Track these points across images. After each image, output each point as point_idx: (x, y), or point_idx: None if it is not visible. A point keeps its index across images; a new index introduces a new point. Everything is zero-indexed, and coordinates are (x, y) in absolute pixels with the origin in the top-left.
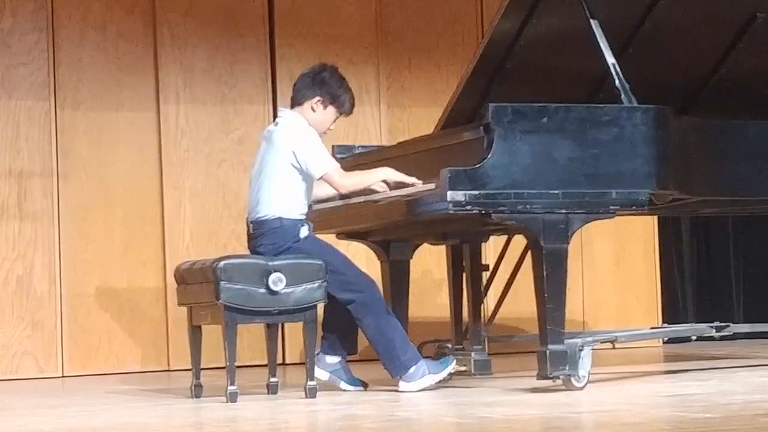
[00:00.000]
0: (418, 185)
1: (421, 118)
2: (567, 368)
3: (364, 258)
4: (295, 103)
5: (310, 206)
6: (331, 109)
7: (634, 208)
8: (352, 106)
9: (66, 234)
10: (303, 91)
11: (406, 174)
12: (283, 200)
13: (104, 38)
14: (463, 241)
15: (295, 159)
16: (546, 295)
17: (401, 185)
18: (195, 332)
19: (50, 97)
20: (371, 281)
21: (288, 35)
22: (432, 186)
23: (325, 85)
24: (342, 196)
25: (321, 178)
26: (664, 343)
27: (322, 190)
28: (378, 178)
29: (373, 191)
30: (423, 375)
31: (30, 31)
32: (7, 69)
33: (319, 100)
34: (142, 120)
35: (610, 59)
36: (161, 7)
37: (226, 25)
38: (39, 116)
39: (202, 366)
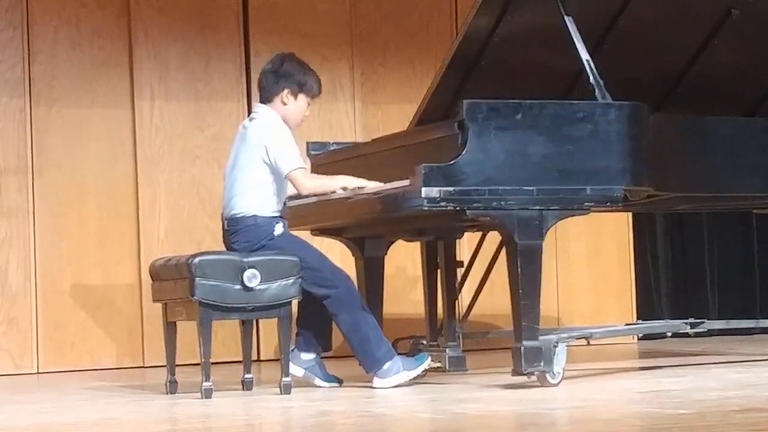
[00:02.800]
0: (381, 186)
1: (396, 115)
2: (542, 365)
3: (338, 254)
4: (265, 99)
5: (284, 203)
6: (302, 97)
7: (608, 204)
8: (320, 85)
9: (41, 230)
10: (270, 87)
11: (381, 172)
12: (258, 197)
13: (79, 35)
14: (437, 237)
15: (266, 154)
16: (521, 291)
17: (362, 191)
18: (170, 328)
19: (25, 93)
20: (346, 277)
21: (262, 32)
22: (406, 182)
23: (290, 75)
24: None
25: (286, 176)
26: (638, 339)
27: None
28: (339, 185)
29: (334, 195)
30: (397, 371)
31: (4, 28)
32: None
33: (288, 92)
34: (116, 116)
35: (585, 56)
36: (135, 4)
37: (200, 21)
38: (13, 113)
39: (176, 362)
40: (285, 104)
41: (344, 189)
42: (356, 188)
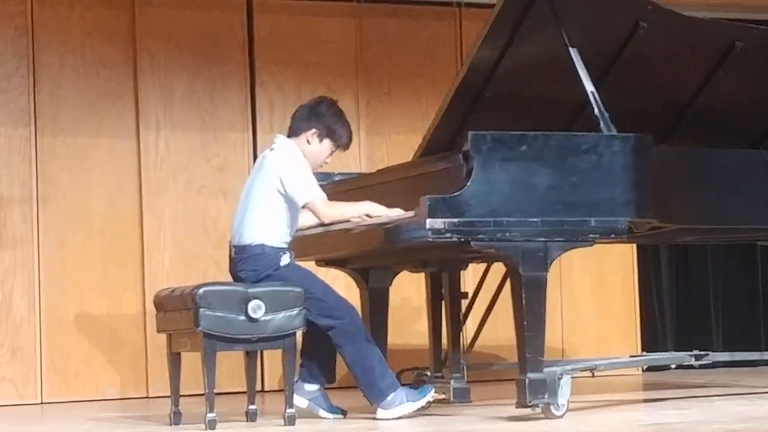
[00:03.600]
0: (403, 214)
1: (401, 146)
2: (546, 396)
3: (343, 285)
4: (292, 133)
5: (293, 235)
6: (327, 142)
7: (613, 236)
8: (350, 140)
9: (45, 260)
10: (299, 123)
11: (386, 202)
12: (267, 227)
13: (84, 65)
14: (442, 268)
15: (281, 185)
16: (525, 323)
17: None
18: (174, 359)
19: (30, 123)
20: (351, 307)
21: (268, 62)
22: (411, 214)
23: (322, 117)
24: (323, 224)
25: (305, 206)
26: (643, 371)
27: (305, 219)
28: (361, 212)
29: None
30: (401, 402)
31: (10, 58)
32: None
33: (314, 133)
34: (121, 146)
35: (589, 87)
36: (141, 34)
37: (206, 52)
38: (19, 142)
39: (181, 393)
40: (309, 143)
41: (368, 216)
42: (377, 217)
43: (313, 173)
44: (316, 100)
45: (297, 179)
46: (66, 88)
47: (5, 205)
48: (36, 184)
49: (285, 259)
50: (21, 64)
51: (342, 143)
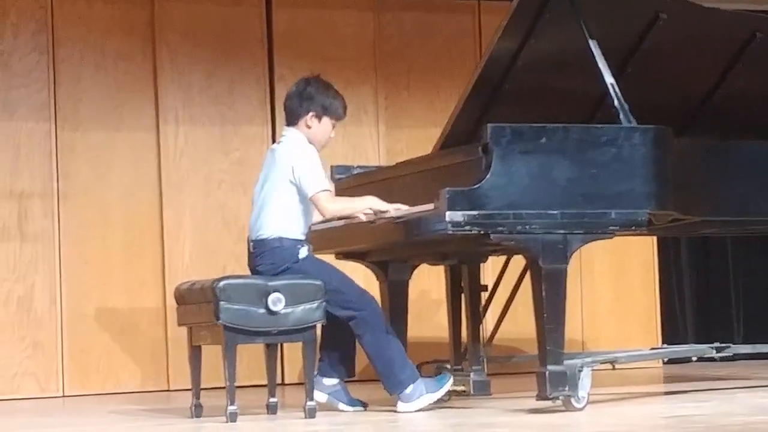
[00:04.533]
0: (405, 209)
1: (420, 139)
2: (566, 389)
3: (362, 278)
4: (290, 123)
5: (310, 227)
6: (326, 120)
7: (633, 228)
8: (345, 108)
9: (66, 254)
10: (294, 110)
11: (405, 196)
12: (284, 220)
13: (104, 59)
14: (461, 261)
15: (293, 175)
16: (545, 315)
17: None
18: (195, 352)
19: (50, 118)
20: (372, 298)
21: (286, 56)
22: (431, 206)
23: (314, 98)
24: (326, 220)
25: (310, 198)
26: (663, 363)
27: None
28: (364, 207)
29: (357, 219)
30: (420, 395)
31: (30, 52)
32: (8, 90)
33: (312, 115)
34: (141, 140)
35: (609, 79)
36: (160, 28)
37: (224, 46)
38: (39, 137)
39: (201, 386)
40: (309, 127)
41: (370, 210)
42: (379, 212)
43: (334, 166)
44: (303, 84)
45: (306, 170)
46: (86, 82)
47: (26, 200)
48: (56, 179)
49: (303, 252)
50: (41, 59)
51: (339, 114)
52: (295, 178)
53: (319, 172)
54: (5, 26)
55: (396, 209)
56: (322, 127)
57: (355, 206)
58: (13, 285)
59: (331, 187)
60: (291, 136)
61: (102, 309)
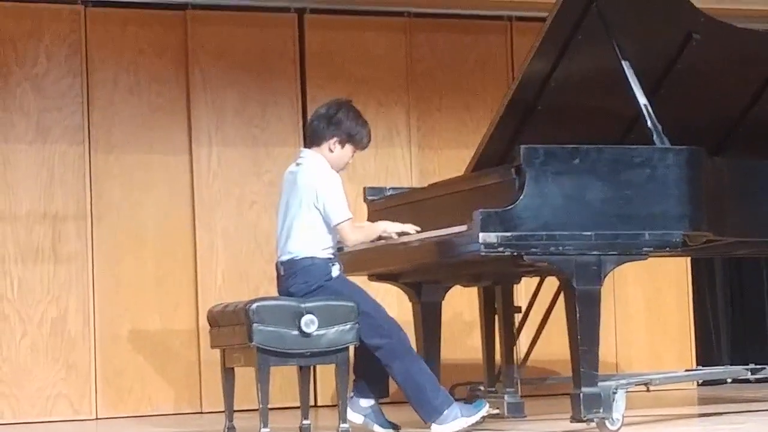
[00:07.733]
0: (421, 232)
1: (452, 160)
2: (601, 411)
3: (395, 299)
4: (313, 143)
5: (339, 247)
6: (349, 147)
7: (667, 249)
8: (369, 139)
9: (99, 276)
10: (320, 132)
11: (438, 217)
12: (312, 239)
13: (137, 81)
14: (495, 282)
15: (317, 200)
16: (579, 336)
17: (403, 234)
18: (228, 374)
19: (84, 140)
20: (399, 327)
21: (319, 77)
22: (456, 229)
23: (342, 124)
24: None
25: (334, 227)
26: (698, 385)
27: None
28: (379, 231)
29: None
30: (455, 418)
31: (64, 75)
32: (42, 113)
33: (336, 140)
34: (174, 162)
35: (642, 100)
36: (193, 50)
37: (257, 67)
38: (73, 159)
39: (234, 408)
40: (332, 151)
41: (386, 233)
42: (398, 233)
43: (367, 187)
44: (333, 107)
45: (330, 197)
46: (119, 105)
47: (60, 222)
48: (90, 201)
49: (335, 270)
50: (75, 82)
51: (363, 144)
52: (319, 204)
53: (342, 200)
54: (39, 49)
55: (410, 227)
56: (344, 153)
57: (372, 233)
58: (47, 307)
59: (360, 212)
60: (312, 160)
61: (135, 331)
